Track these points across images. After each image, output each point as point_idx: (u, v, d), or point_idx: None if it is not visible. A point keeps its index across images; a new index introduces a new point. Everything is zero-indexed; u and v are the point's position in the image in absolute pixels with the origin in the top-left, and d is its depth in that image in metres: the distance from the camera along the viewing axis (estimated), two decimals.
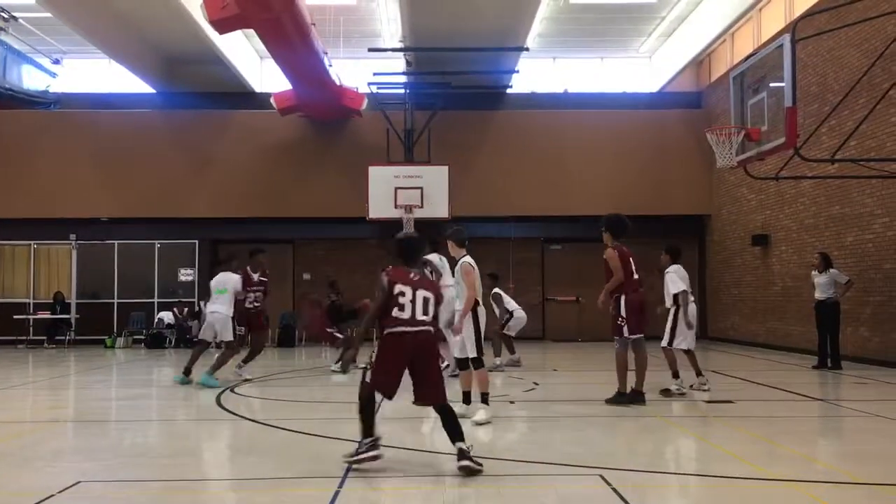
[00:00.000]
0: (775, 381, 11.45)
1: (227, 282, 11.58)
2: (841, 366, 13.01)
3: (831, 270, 13.42)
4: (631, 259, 9.23)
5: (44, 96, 21.71)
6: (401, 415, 8.69)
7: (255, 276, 12.11)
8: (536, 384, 11.17)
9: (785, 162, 13.28)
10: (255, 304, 12.11)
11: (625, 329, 9.06)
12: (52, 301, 20.58)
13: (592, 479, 5.74)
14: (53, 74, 21.99)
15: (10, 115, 21.21)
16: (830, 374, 12.62)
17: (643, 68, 22.91)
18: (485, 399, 8.12)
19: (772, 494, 5.49)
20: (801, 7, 16.31)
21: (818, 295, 13.44)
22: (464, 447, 5.86)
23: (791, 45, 11.17)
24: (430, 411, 6.31)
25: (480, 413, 7.94)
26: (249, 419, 8.49)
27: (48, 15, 17.62)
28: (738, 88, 12.94)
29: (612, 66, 22.95)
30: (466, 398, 8.31)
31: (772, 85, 11.91)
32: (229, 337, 11.51)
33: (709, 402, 9.52)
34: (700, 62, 21.73)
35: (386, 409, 7.50)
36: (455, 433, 5.95)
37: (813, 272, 13.76)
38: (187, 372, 11.33)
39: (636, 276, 9.22)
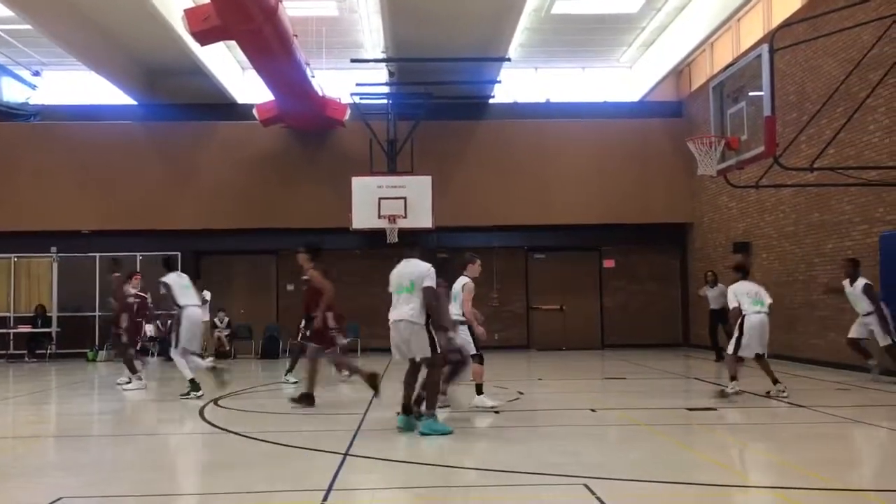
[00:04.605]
0: (756, 387, 11.52)
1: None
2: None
3: (719, 285, 15.94)
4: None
5: (23, 109, 21.61)
6: (388, 426, 8.69)
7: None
8: (521, 393, 11.18)
9: (765, 170, 13.40)
10: None
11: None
12: (33, 314, 20.40)
13: (577, 488, 5.75)
14: (33, 86, 21.90)
15: None
16: (808, 381, 12.71)
17: (624, 78, 23.07)
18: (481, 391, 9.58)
19: (752, 502, 5.53)
20: (778, 17, 16.50)
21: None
22: None
23: (769, 55, 11.28)
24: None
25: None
26: (233, 432, 8.44)
27: (28, 27, 17.54)
28: (718, 98, 13.04)
29: (593, 75, 23.09)
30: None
31: (751, 94, 12.01)
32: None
33: (692, 409, 9.58)
34: (680, 72, 21.92)
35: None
36: None
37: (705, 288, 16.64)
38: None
39: None
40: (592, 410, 9.67)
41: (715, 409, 9.54)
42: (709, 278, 16.72)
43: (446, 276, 9.38)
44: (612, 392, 11.96)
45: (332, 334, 10.37)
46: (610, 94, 22.93)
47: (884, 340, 12.13)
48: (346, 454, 7.01)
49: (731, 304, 10.71)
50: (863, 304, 12.42)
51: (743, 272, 11.05)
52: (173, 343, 11.53)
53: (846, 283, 12.81)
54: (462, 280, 9.59)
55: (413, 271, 7.89)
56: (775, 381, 10.51)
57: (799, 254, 15.77)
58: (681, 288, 21.98)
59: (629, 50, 21.60)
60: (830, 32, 13.67)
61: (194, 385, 11.25)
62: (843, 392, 11.37)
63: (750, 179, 14.60)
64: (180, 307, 11.57)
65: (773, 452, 7.24)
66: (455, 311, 9.39)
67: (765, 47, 11.40)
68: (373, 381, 9.59)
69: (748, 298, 10.59)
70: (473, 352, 9.51)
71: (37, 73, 21.40)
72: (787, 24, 14.85)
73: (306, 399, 10.09)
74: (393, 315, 7.97)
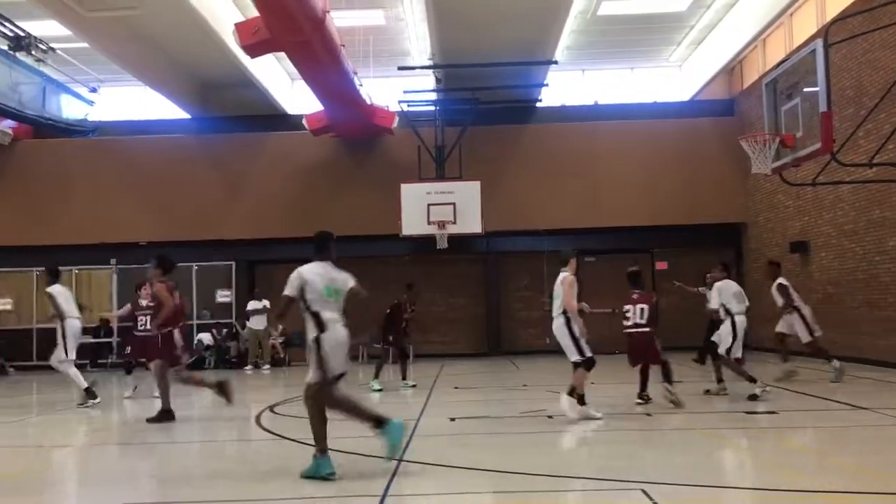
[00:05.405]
0: (818, 390, 11.25)
1: None
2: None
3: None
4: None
5: (82, 125, 22.21)
6: (441, 432, 8.69)
7: None
8: None
9: (822, 167, 13.09)
10: None
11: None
12: (97, 325, 20.92)
13: (634, 493, 5.66)
14: (91, 103, 22.49)
15: (49, 143, 21.72)
16: (871, 382, 12.33)
17: (674, 77, 22.78)
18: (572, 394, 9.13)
19: None
20: (833, 11, 16.12)
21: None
22: None
23: (824, 50, 11.05)
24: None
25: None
26: (289, 438, 8.52)
27: (85, 45, 18.04)
28: (772, 94, 12.81)
29: (642, 76, 22.86)
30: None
31: (806, 90, 11.78)
32: None
33: (751, 412, 9.38)
34: (731, 69, 21.54)
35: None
36: None
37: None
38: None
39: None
40: (648, 415, 9.53)
41: (776, 413, 9.32)
42: (708, 280, 15.18)
43: (641, 286, 10.24)
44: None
45: (178, 353, 10.11)
46: (659, 94, 22.67)
47: (805, 337, 12.41)
48: (400, 460, 7.02)
49: (714, 304, 10.85)
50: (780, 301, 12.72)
51: (729, 271, 11.45)
52: (63, 354, 11.76)
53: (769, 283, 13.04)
54: (561, 275, 9.34)
55: (340, 277, 6.91)
56: (752, 379, 10.50)
57: (860, 252, 15.35)
58: None
59: (678, 49, 21.32)
60: (888, 24, 13.30)
61: (90, 393, 11.70)
62: None
63: (806, 177, 14.28)
64: (63, 318, 11.80)
65: (834, 456, 7.04)
66: (555, 311, 9.22)
67: (819, 42, 11.18)
68: (223, 388, 9.78)
69: (735, 299, 10.78)
70: (577, 358, 9.19)
71: (94, 90, 21.97)
72: (841, 18, 14.49)
73: (165, 415, 9.96)
74: (342, 317, 6.75)
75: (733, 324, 10.64)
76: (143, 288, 13.67)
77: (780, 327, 13.05)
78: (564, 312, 9.15)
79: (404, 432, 6.62)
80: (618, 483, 6.05)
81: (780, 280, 12.79)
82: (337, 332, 6.57)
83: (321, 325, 6.53)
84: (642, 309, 10.13)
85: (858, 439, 7.93)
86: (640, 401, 10.20)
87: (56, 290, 12.02)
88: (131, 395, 13.18)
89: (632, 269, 10.66)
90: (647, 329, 10.05)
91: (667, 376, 9.95)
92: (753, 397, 10.21)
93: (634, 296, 10.24)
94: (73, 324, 11.95)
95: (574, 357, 9.19)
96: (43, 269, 12.70)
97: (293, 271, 6.75)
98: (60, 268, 13.18)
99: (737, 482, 6.08)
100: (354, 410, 6.69)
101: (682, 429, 8.73)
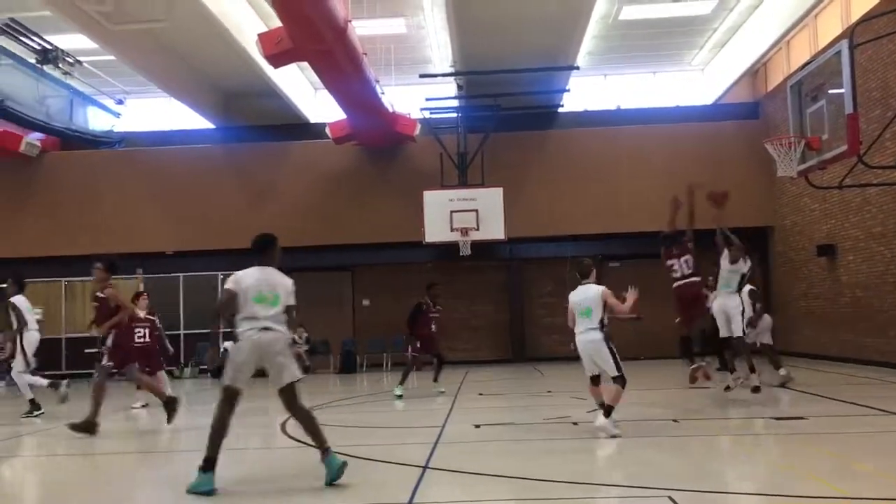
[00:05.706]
0: (848, 395, 11.10)
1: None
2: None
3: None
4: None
5: (108, 136, 22.49)
6: (466, 439, 8.68)
7: None
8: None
9: (849, 170, 12.94)
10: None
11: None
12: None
13: (661, 500, 5.61)
14: (117, 114, 22.78)
15: (76, 155, 22.00)
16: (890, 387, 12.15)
17: (697, 81, 22.64)
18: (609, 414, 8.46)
19: None
20: (858, 11, 15.96)
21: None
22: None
23: (849, 51, 10.94)
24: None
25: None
26: (314, 446, 8.55)
27: (111, 58, 18.29)
28: (796, 97, 12.70)
29: (664, 80, 22.75)
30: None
31: (831, 92, 11.66)
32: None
33: (779, 418, 9.27)
34: (755, 72, 21.38)
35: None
36: None
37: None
38: None
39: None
40: (675, 421, 9.45)
41: (805, 419, 9.20)
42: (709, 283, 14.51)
43: (678, 244, 10.48)
44: (695, 401, 11.67)
45: (103, 353, 10.13)
46: (682, 98, 22.55)
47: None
48: (425, 467, 7.02)
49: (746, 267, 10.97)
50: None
51: (749, 253, 11.40)
52: (23, 365, 11.80)
53: None
54: (597, 287, 8.73)
55: (279, 282, 6.88)
56: (753, 369, 10.63)
57: (888, 255, 15.14)
58: (764, 293, 21.31)
59: (701, 52, 21.20)
60: None
61: (35, 405, 11.78)
62: None
63: (833, 180, 14.12)
64: (25, 329, 11.88)
65: (862, 461, 6.93)
66: (589, 325, 8.65)
67: (844, 43, 11.07)
68: (88, 426, 9.74)
69: (738, 277, 11.02)
70: (616, 373, 8.63)
71: (120, 102, 22.26)
72: (867, 19, 14.34)
73: (171, 403, 10.08)
74: (265, 322, 6.78)
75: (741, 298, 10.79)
76: (141, 298, 13.88)
77: (764, 338, 13.11)
78: (602, 327, 8.65)
79: (201, 489, 6.52)
80: (644, 490, 6.00)
81: (751, 286, 12.71)
82: (249, 341, 6.82)
83: (234, 336, 6.75)
84: (686, 260, 10.35)
85: (889, 444, 7.81)
86: (718, 367, 10.60)
87: (20, 300, 12.13)
88: (137, 407, 13.21)
89: (665, 233, 10.91)
90: (696, 279, 10.33)
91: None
92: (756, 389, 10.24)
93: (675, 251, 10.47)
94: (32, 335, 12.08)
95: (614, 373, 8.66)
96: (10, 279, 12.32)
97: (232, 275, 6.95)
98: (82, 279, 13.39)
99: (765, 489, 6.00)
100: (217, 431, 6.89)
101: (709, 435, 8.65)
